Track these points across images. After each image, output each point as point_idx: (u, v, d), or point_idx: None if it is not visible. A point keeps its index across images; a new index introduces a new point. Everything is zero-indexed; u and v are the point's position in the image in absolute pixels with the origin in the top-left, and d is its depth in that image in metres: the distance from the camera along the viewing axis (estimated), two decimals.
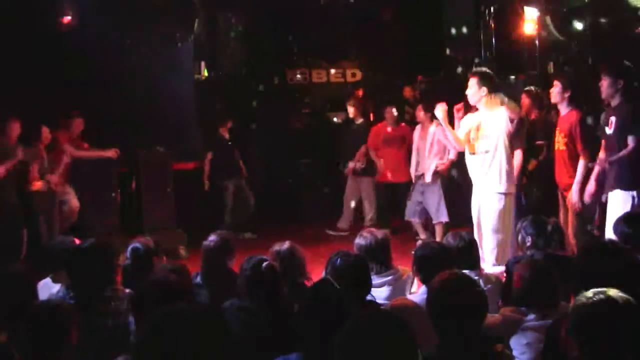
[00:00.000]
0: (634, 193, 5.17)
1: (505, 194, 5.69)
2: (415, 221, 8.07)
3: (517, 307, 3.35)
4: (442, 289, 2.61)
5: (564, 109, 5.98)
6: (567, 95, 5.90)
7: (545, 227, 4.31)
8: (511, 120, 5.68)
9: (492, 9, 9.55)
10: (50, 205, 7.31)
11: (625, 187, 5.22)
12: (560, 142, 5.96)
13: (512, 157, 6.00)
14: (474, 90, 5.71)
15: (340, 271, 3.57)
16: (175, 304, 1.91)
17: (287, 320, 3.36)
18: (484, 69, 6.11)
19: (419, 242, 7.84)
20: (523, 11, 9.14)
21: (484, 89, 5.66)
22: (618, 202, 5.22)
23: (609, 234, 4.78)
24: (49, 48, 7.85)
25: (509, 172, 5.73)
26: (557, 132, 6.02)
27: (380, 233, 4.22)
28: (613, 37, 8.65)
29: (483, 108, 5.72)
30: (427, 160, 7.86)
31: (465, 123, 5.88)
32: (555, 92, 5.94)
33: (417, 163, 8.04)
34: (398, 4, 10.86)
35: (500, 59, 9.56)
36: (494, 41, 9.50)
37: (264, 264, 3.62)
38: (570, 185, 5.82)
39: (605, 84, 5.33)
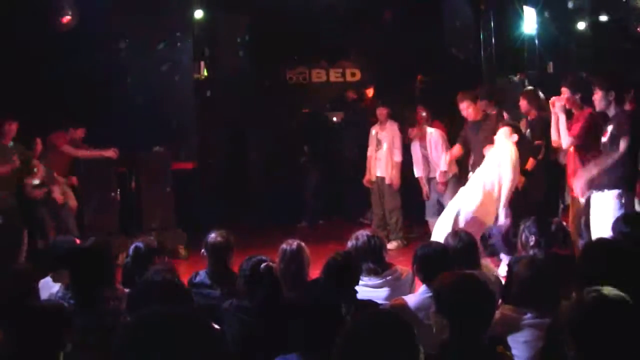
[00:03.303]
0: (621, 192, 5.16)
1: None
2: (434, 221, 8.07)
3: (516, 305, 3.35)
4: (451, 288, 2.61)
5: (575, 111, 5.98)
6: (577, 97, 5.89)
7: (548, 226, 4.30)
8: None
9: (492, 8, 9.56)
10: (57, 206, 7.33)
11: (612, 187, 5.22)
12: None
13: None
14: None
15: (329, 270, 3.63)
16: (155, 307, 1.89)
17: (287, 321, 3.36)
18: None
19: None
20: (523, 10, 9.15)
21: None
22: (606, 202, 5.22)
23: (596, 233, 4.81)
24: (48, 48, 7.84)
25: None
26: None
27: (366, 233, 4.23)
28: (613, 37, 8.66)
29: None
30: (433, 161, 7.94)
31: None
32: (568, 100, 5.88)
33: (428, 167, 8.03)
34: (398, 3, 10.84)
35: (500, 58, 9.57)
36: (493, 40, 9.50)
37: (263, 264, 3.62)
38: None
39: (597, 97, 5.30)
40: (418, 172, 8.04)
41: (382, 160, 8.43)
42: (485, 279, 3.92)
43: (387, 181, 8.38)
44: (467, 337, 2.52)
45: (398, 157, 8.36)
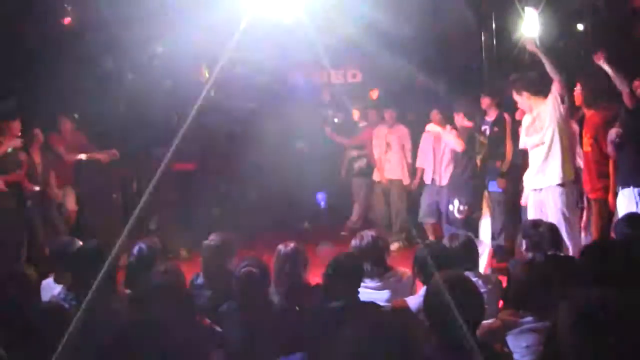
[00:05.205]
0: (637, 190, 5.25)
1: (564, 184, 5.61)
2: (430, 222, 8.10)
3: (515, 309, 3.35)
4: (437, 289, 2.62)
5: (587, 111, 6.00)
6: (583, 94, 5.94)
7: (537, 228, 4.31)
8: (561, 98, 5.56)
9: (493, 10, 9.55)
10: (48, 208, 7.34)
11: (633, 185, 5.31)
12: (586, 143, 5.99)
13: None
14: (520, 103, 5.83)
15: (332, 271, 3.62)
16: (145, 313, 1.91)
17: (281, 321, 3.38)
18: (515, 77, 6.03)
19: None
20: (524, 12, 9.14)
21: (525, 94, 5.71)
22: (625, 200, 5.32)
23: None
24: (48, 49, 7.86)
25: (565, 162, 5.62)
26: (582, 133, 6.04)
27: (371, 234, 4.24)
28: (613, 37, 8.65)
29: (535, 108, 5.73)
30: (442, 164, 7.92)
31: (523, 124, 5.89)
32: (577, 94, 5.97)
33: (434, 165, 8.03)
34: (398, 5, 10.83)
35: (501, 60, 9.56)
36: (495, 42, 9.50)
37: (242, 270, 3.64)
38: (597, 188, 5.86)
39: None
40: (420, 162, 8.15)
41: (392, 162, 8.50)
42: (482, 279, 3.97)
43: (405, 182, 8.51)
44: (457, 337, 2.52)
45: (410, 158, 8.51)
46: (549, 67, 5.50)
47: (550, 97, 5.56)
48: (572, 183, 5.66)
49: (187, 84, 9.10)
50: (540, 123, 5.61)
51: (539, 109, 5.65)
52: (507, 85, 6.19)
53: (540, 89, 5.69)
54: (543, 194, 5.61)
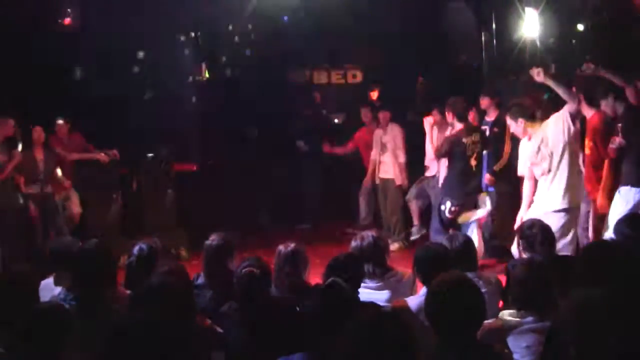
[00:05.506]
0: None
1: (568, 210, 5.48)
2: (414, 204, 8.12)
3: (515, 309, 3.35)
4: (439, 290, 2.62)
5: (587, 112, 5.98)
6: (579, 97, 5.82)
7: (530, 228, 4.31)
8: (572, 117, 5.44)
9: (493, 10, 9.56)
10: (51, 207, 7.33)
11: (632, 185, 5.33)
12: (586, 146, 6.00)
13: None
14: (514, 128, 5.73)
15: (332, 271, 3.64)
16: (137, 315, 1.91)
17: (279, 322, 3.38)
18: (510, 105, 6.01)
19: (414, 228, 8.16)
20: (524, 12, 9.15)
21: (521, 120, 5.63)
22: (620, 198, 5.33)
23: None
24: (50, 49, 7.86)
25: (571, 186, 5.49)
26: (585, 135, 6.04)
27: (371, 235, 4.25)
28: (613, 37, 8.66)
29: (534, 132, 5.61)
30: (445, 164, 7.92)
31: (524, 148, 5.75)
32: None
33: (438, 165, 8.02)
34: (399, 6, 10.85)
35: (501, 60, 9.57)
36: (495, 43, 9.51)
37: (243, 270, 3.64)
38: (597, 190, 5.85)
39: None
40: (427, 160, 8.13)
41: (387, 162, 8.52)
42: (482, 280, 3.97)
43: (397, 182, 8.46)
44: (458, 337, 2.53)
45: (402, 158, 8.46)
46: (562, 93, 5.36)
47: (559, 118, 5.44)
48: (576, 209, 5.54)
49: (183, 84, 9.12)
50: (546, 150, 5.48)
51: (543, 134, 5.51)
52: (506, 87, 6.18)
53: (535, 115, 5.67)
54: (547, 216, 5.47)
